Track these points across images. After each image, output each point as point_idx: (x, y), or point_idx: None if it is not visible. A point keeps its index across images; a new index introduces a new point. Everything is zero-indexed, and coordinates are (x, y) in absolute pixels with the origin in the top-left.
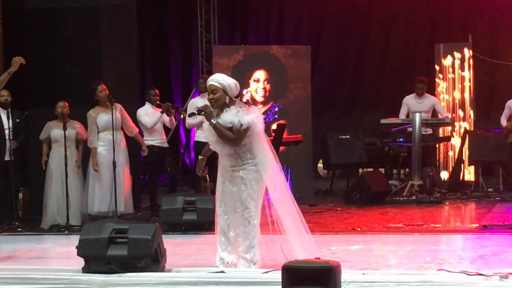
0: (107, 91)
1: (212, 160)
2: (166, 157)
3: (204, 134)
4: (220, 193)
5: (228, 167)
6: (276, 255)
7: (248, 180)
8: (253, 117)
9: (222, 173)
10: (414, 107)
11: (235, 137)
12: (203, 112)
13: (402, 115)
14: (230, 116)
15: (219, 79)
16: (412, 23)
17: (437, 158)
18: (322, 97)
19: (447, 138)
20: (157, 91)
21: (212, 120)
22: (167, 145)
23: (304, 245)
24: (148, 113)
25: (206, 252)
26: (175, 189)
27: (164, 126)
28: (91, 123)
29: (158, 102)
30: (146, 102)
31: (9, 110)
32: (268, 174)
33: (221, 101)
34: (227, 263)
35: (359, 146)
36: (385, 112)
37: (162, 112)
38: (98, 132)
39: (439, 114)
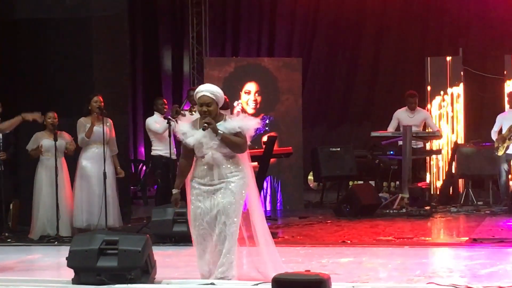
0: (102, 104)
1: None
2: (171, 168)
3: (196, 146)
4: (200, 213)
5: (213, 180)
6: (249, 268)
7: (237, 193)
8: (255, 124)
9: (200, 190)
10: (405, 121)
11: (243, 142)
12: (210, 125)
13: (391, 128)
14: (237, 122)
15: (214, 90)
16: (403, 36)
17: (427, 171)
18: (313, 110)
19: (438, 152)
20: (165, 100)
21: (219, 131)
22: (175, 157)
23: (271, 257)
24: (158, 122)
25: (196, 264)
26: (163, 201)
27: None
28: (80, 128)
29: (165, 110)
30: (155, 112)
31: None
32: (251, 187)
33: (215, 113)
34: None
35: (349, 159)
36: (375, 125)
37: (171, 116)
38: (87, 144)
39: (428, 128)
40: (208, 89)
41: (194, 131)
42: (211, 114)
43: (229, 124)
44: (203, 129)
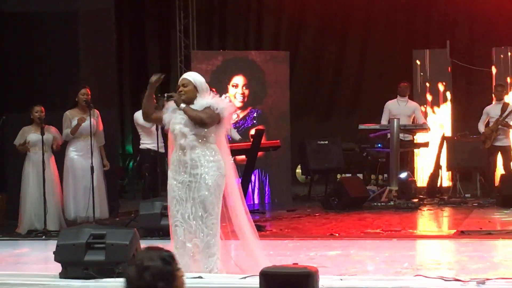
0: (89, 97)
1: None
2: (159, 162)
3: (170, 127)
4: (176, 202)
5: (188, 170)
6: (236, 261)
7: (212, 186)
8: (228, 106)
9: (177, 180)
10: (396, 110)
11: (208, 116)
12: (172, 97)
13: (384, 121)
14: (206, 100)
15: (193, 75)
16: (390, 29)
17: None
18: (301, 103)
19: (425, 144)
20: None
21: (181, 105)
22: (164, 150)
23: (257, 250)
24: None
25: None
26: (149, 194)
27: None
28: (65, 121)
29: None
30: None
31: None
32: (229, 178)
33: (190, 95)
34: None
35: (337, 152)
36: (363, 117)
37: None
38: (72, 138)
39: (417, 120)
40: (188, 74)
41: (171, 110)
42: (186, 94)
43: (199, 102)
44: (167, 99)
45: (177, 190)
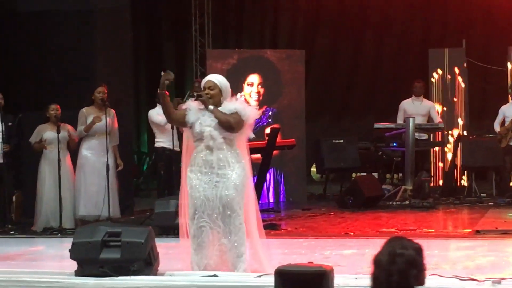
0: (106, 95)
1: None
2: (174, 160)
3: (194, 126)
4: (200, 205)
5: (215, 170)
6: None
7: (239, 185)
8: (254, 112)
9: (200, 181)
10: (411, 109)
11: (236, 122)
12: (201, 97)
13: (399, 120)
14: (234, 105)
15: (219, 78)
16: (406, 28)
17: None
18: (316, 101)
19: (441, 143)
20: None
21: (210, 106)
22: (178, 149)
23: (263, 248)
24: (160, 114)
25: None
26: (164, 193)
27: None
28: (80, 118)
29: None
30: (157, 104)
31: (1, 113)
32: (249, 179)
33: (216, 99)
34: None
35: (352, 151)
36: (379, 116)
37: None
38: (87, 135)
39: (432, 119)
40: (213, 76)
41: (196, 110)
42: (212, 98)
43: (225, 105)
44: (193, 97)
45: (202, 191)
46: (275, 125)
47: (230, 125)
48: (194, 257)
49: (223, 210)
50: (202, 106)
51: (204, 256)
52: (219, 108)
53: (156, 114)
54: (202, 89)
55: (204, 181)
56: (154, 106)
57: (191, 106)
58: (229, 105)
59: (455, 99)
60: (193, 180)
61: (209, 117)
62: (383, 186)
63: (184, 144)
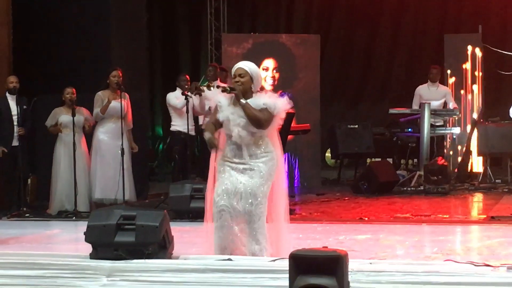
0: (121, 79)
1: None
2: (189, 144)
3: (224, 123)
4: (224, 189)
5: (243, 159)
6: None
7: (265, 175)
8: (284, 105)
9: (229, 167)
10: (427, 95)
11: (265, 119)
12: (234, 90)
13: (415, 105)
14: (263, 99)
15: (249, 66)
16: (422, 13)
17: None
18: (331, 87)
19: (456, 129)
20: (187, 76)
21: (242, 100)
22: (194, 133)
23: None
24: (178, 97)
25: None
26: (179, 177)
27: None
28: (97, 101)
29: (187, 87)
30: (177, 88)
31: (16, 96)
32: (280, 169)
33: (247, 86)
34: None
35: (367, 136)
36: (394, 102)
37: (190, 92)
38: (103, 118)
39: (447, 104)
40: (244, 63)
41: (227, 107)
42: (243, 85)
43: (255, 100)
44: (229, 91)
45: (227, 177)
46: (290, 110)
47: (260, 123)
48: (216, 236)
49: (245, 197)
50: (231, 99)
51: (223, 239)
52: (249, 100)
53: (174, 97)
54: (232, 76)
55: (232, 167)
56: (174, 89)
57: (222, 101)
58: (258, 100)
59: (470, 85)
60: (221, 167)
61: (239, 115)
62: (398, 172)
63: (220, 135)
